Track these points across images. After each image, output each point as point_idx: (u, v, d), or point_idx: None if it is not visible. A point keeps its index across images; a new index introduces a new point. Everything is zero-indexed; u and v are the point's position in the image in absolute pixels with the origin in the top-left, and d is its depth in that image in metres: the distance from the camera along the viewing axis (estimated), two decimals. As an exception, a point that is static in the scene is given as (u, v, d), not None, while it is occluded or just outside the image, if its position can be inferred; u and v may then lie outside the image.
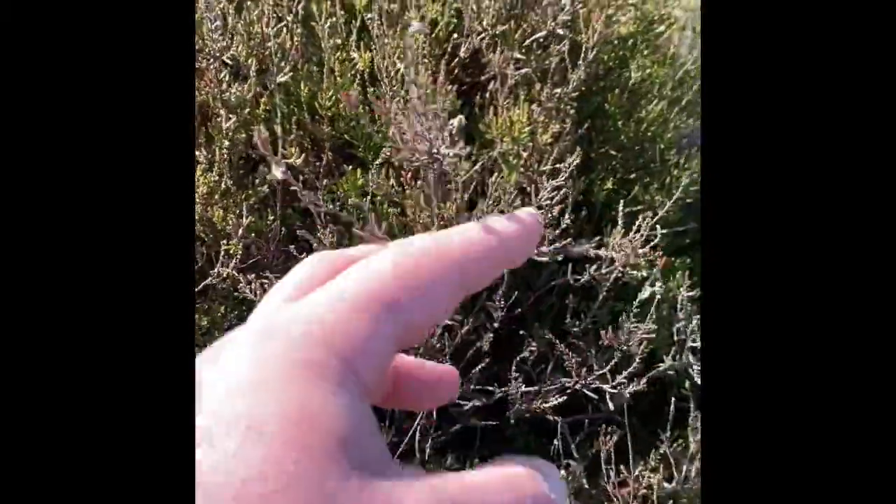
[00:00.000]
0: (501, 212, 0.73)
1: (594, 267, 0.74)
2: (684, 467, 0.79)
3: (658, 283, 0.72)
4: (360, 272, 0.23)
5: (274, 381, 0.19)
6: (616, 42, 1.20)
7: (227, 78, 0.95)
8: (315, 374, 0.20)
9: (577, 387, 0.85)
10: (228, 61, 0.92)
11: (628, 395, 0.90)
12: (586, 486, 0.92)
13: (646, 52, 1.19)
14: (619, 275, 0.75)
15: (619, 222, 0.73)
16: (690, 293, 0.75)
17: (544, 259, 0.95)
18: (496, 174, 0.99)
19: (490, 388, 0.86)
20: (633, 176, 1.14)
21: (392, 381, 0.28)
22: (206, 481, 0.17)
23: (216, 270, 0.86)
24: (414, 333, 0.23)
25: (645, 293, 0.73)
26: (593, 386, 0.83)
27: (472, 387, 0.89)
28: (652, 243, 0.70)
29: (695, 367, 0.78)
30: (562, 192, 0.72)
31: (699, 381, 0.83)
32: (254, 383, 0.19)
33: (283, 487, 0.17)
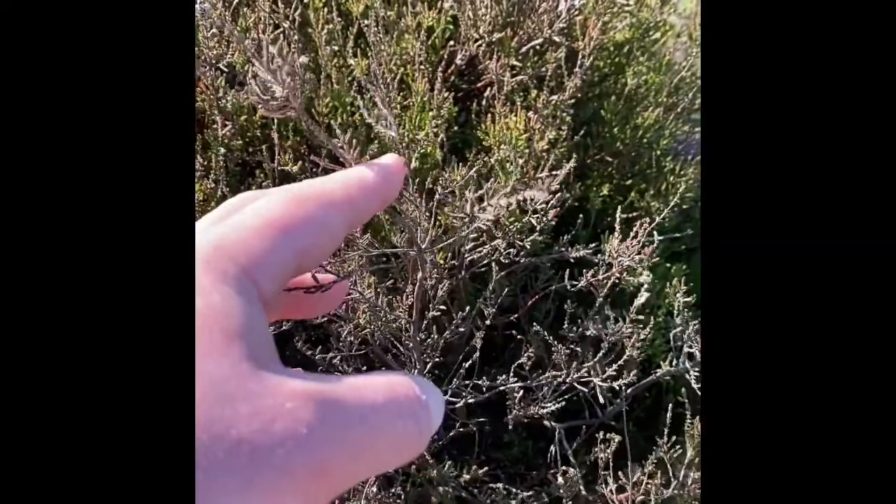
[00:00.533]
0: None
1: (591, 273, 0.74)
2: (681, 473, 0.79)
3: (647, 278, 0.72)
4: (264, 203, 0.27)
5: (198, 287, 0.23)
6: (612, 48, 1.20)
7: (223, 84, 0.95)
8: (218, 280, 0.23)
9: (569, 380, 0.85)
10: (224, 68, 0.92)
11: (624, 387, 0.90)
12: (583, 493, 0.92)
13: (642, 59, 1.20)
14: (616, 280, 0.75)
15: (617, 229, 0.73)
16: (687, 299, 0.75)
17: (541, 261, 0.95)
18: (492, 180, 0.99)
19: (479, 383, 0.86)
20: (629, 182, 1.14)
21: (292, 299, 0.33)
22: None
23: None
24: (308, 255, 0.27)
25: (641, 299, 0.73)
26: (585, 380, 0.83)
27: (464, 382, 0.89)
28: (649, 249, 0.70)
29: (692, 372, 0.78)
30: (556, 197, 0.72)
31: (696, 386, 0.83)
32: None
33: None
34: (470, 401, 0.91)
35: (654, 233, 0.74)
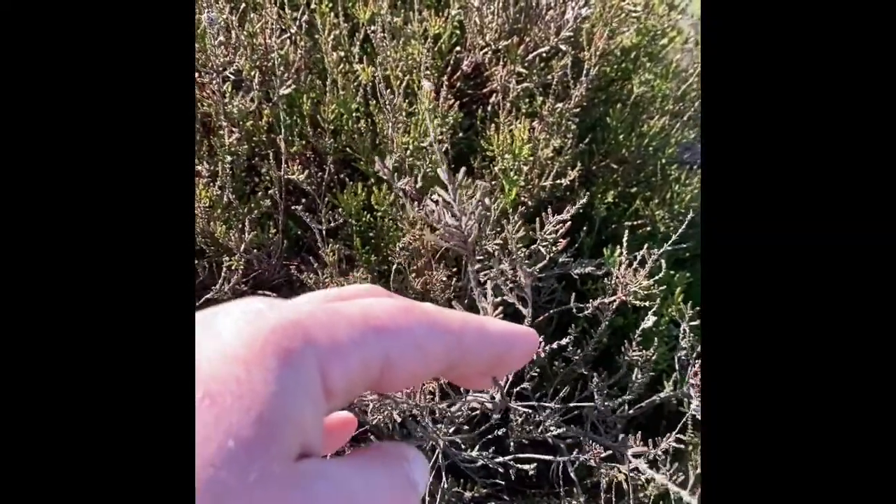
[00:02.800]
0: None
1: (597, 301, 0.74)
2: (684, 497, 0.79)
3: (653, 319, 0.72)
4: (371, 301, 0.25)
5: (247, 359, 0.21)
6: (619, 53, 1.20)
7: (229, 90, 0.95)
8: (284, 363, 0.21)
9: (572, 403, 0.85)
10: (231, 75, 0.92)
11: (626, 406, 0.90)
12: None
13: (649, 65, 1.19)
14: (622, 302, 0.76)
15: (624, 244, 0.73)
16: (693, 323, 0.75)
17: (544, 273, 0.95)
18: (496, 191, 0.99)
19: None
20: (633, 189, 1.14)
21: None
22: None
23: (218, 286, 0.86)
24: (395, 368, 0.25)
25: (648, 323, 0.73)
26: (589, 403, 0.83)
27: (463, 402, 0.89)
28: (655, 278, 0.70)
29: (694, 399, 0.78)
30: (566, 225, 0.72)
31: (700, 405, 0.83)
32: (228, 356, 0.21)
33: (221, 464, 0.19)
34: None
35: (660, 255, 0.74)
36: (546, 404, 0.91)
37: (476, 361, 0.27)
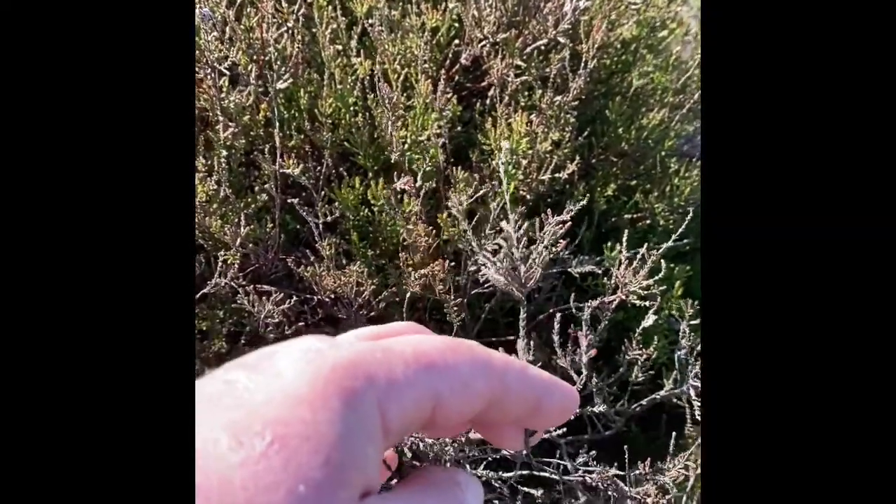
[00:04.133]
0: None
1: (597, 301, 0.74)
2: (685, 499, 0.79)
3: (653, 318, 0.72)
4: (419, 339, 0.26)
5: (310, 399, 0.21)
6: (619, 46, 1.19)
7: (226, 84, 0.94)
8: (347, 403, 0.22)
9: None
10: (226, 71, 0.92)
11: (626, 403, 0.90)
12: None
13: (648, 57, 1.19)
14: (622, 301, 0.75)
15: (624, 243, 0.73)
16: (694, 322, 0.75)
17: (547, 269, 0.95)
18: (494, 183, 0.99)
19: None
20: (633, 183, 1.13)
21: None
22: (232, 476, 0.19)
23: (214, 281, 0.86)
24: (445, 405, 0.25)
25: (648, 321, 0.73)
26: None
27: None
28: (656, 277, 0.70)
29: (694, 399, 0.78)
30: (566, 226, 0.71)
31: (699, 404, 0.82)
32: (291, 396, 0.21)
33: None
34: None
35: (661, 255, 0.73)
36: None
37: (516, 403, 0.27)
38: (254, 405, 0.21)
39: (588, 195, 1.03)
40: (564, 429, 0.72)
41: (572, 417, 0.31)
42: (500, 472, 0.84)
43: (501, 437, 0.30)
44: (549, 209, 0.73)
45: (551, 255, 0.67)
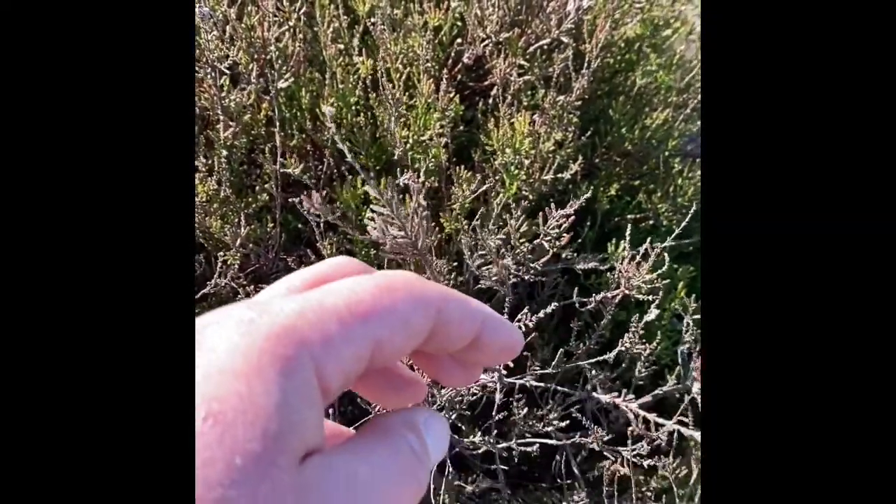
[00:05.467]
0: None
1: (600, 296, 0.74)
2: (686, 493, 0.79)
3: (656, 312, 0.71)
4: (351, 285, 0.25)
5: (245, 372, 0.21)
6: (622, 45, 1.18)
7: (227, 83, 0.94)
8: (282, 371, 0.22)
9: (575, 398, 0.85)
10: (226, 70, 0.91)
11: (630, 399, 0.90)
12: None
13: (652, 56, 1.18)
14: (624, 295, 0.75)
15: (627, 240, 0.72)
16: (697, 316, 0.74)
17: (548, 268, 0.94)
18: (496, 184, 0.98)
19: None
20: (636, 183, 1.13)
21: (369, 388, 0.31)
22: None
23: (214, 281, 0.86)
24: (384, 349, 0.25)
25: (650, 316, 0.72)
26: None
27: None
28: (659, 272, 0.69)
29: (696, 392, 0.77)
30: (570, 219, 0.71)
31: (700, 402, 0.82)
32: (226, 371, 0.21)
33: (230, 483, 0.19)
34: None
35: (664, 250, 0.73)
36: (548, 385, 0.91)
37: (456, 335, 0.27)
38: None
39: (591, 194, 1.02)
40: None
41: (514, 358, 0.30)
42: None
43: (441, 370, 0.30)
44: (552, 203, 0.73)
45: (553, 249, 0.67)
